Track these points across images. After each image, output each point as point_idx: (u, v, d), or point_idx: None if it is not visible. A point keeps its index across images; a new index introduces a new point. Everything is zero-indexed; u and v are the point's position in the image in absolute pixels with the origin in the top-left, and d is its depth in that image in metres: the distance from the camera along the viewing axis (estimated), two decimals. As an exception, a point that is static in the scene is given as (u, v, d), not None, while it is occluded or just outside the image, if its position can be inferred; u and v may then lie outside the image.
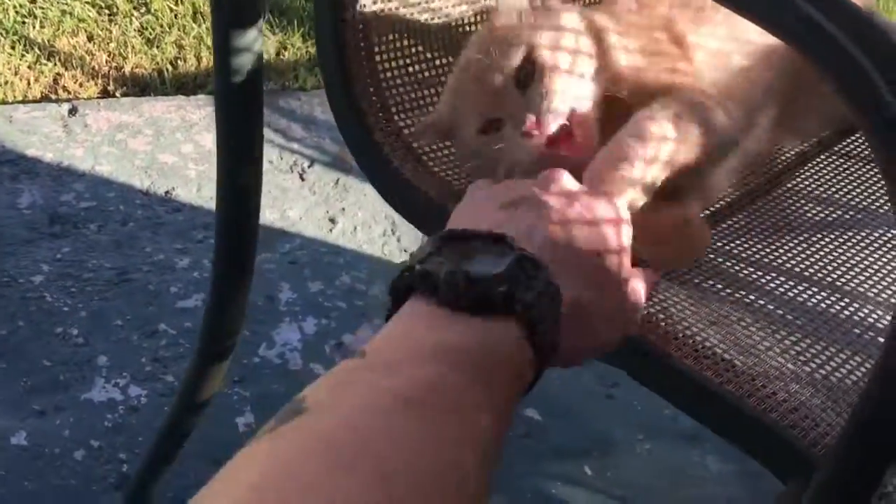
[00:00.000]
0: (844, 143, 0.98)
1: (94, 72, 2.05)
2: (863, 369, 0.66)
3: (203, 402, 1.07)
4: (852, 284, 0.76)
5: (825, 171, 0.93)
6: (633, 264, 0.58)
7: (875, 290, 0.75)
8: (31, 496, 1.23)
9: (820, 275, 0.77)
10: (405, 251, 1.73)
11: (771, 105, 0.80)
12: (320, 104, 2.08)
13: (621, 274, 0.54)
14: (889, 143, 0.44)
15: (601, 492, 1.38)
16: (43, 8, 2.16)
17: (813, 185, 0.90)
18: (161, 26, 2.20)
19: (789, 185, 0.90)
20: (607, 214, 0.55)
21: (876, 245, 0.82)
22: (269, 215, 1.76)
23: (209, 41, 2.16)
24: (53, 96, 1.98)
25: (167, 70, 2.09)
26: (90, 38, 2.13)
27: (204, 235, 1.70)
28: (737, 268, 0.76)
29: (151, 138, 1.92)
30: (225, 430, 1.32)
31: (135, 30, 2.17)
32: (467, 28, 0.87)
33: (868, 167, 0.95)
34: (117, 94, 2.03)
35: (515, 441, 1.41)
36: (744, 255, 0.78)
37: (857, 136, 0.99)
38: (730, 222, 0.82)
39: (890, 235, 0.83)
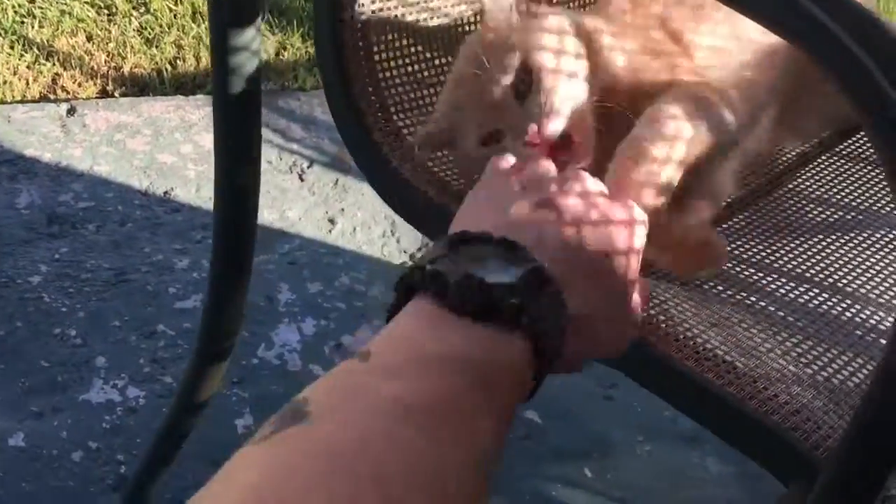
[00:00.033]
0: (845, 144, 0.98)
1: (92, 72, 2.05)
2: (865, 371, 0.65)
3: (202, 403, 1.07)
4: (854, 286, 0.75)
5: (826, 173, 0.93)
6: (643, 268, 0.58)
7: (877, 292, 0.75)
8: (29, 498, 1.22)
9: (821, 276, 0.76)
10: (404, 252, 1.73)
11: (773, 105, 0.80)
12: (320, 104, 2.07)
13: (628, 276, 0.54)
14: (892, 143, 0.44)
15: (601, 494, 1.38)
16: (42, 8, 2.16)
17: (814, 187, 0.90)
18: (160, 26, 2.19)
19: (790, 186, 0.90)
20: (624, 217, 0.54)
21: (877, 246, 0.81)
22: (268, 216, 1.76)
23: (208, 41, 2.15)
24: (52, 96, 1.98)
25: (166, 70, 2.09)
26: (89, 38, 2.13)
27: (203, 236, 1.69)
28: (738, 269, 0.76)
29: (150, 138, 1.91)
30: (223, 431, 1.32)
31: (134, 30, 2.17)
32: (466, 28, 0.87)
33: (869, 168, 0.94)
34: (116, 94, 2.02)
35: (515, 443, 1.41)
36: (745, 256, 0.78)
37: (858, 137, 0.99)
38: (731, 223, 0.82)
39: (892, 237, 0.83)
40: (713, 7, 0.77)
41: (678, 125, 0.65)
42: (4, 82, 1.96)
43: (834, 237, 0.82)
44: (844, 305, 0.73)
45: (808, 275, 0.76)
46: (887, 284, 0.76)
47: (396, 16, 0.82)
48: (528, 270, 0.46)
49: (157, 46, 2.14)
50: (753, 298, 0.72)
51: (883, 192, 0.90)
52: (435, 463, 0.38)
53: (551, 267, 0.48)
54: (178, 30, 2.19)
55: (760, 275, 0.75)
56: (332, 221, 1.80)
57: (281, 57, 2.22)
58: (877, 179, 0.92)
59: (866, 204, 0.88)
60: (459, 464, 0.39)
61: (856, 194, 0.89)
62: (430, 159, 0.81)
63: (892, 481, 0.50)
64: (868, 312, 0.72)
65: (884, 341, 0.69)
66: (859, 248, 0.81)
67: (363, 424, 0.38)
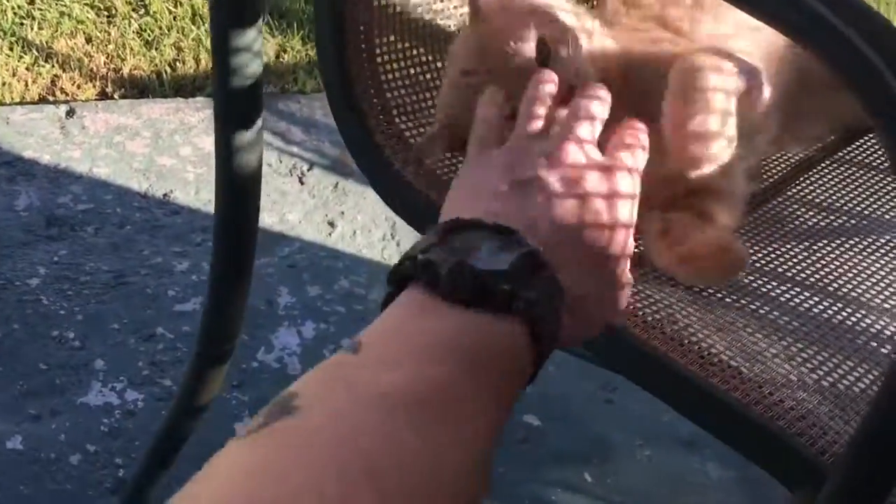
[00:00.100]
0: (848, 150, 0.97)
1: (92, 73, 2.05)
2: (870, 377, 0.65)
3: (201, 407, 1.07)
4: (857, 292, 0.75)
5: (829, 178, 0.92)
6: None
7: (880, 298, 0.75)
8: (27, 501, 1.22)
9: (824, 282, 0.76)
10: (404, 255, 1.72)
11: (778, 108, 0.79)
12: (320, 107, 2.07)
13: (621, 250, 0.53)
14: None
15: (601, 498, 1.37)
16: (41, 9, 2.16)
17: (817, 192, 0.90)
18: (160, 28, 2.19)
19: (792, 192, 0.89)
20: (613, 190, 0.53)
21: (881, 252, 0.81)
22: (267, 219, 1.75)
23: (208, 43, 2.15)
24: (51, 98, 1.97)
25: (166, 72, 2.09)
26: (88, 40, 2.12)
27: (202, 238, 1.69)
28: (741, 275, 0.75)
29: (149, 140, 1.91)
30: (222, 434, 1.29)
31: (133, 32, 2.17)
32: (469, 30, 0.86)
33: (872, 174, 0.94)
34: (115, 96, 2.02)
35: (513, 447, 1.40)
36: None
37: (861, 142, 0.99)
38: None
39: (895, 243, 0.83)
40: (714, 6, 0.77)
41: (717, 61, 0.65)
42: (3, 84, 1.95)
43: (837, 243, 0.82)
44: (849, 311, 0.72)
45: (809, 281, 0.76)
46: (891, 290, 0.76)
47: (399, 18, 0.82)
48: (521, 255, 0.46)
49: (156, 48, 2.14)
50: (757, 304, 0.72)
51: (886, 197, 0.90)
52: (429, 452, 0.37)
53: (545, 250, 0.47)
54: (177, 32, 2.19)
55: (763, 280, 0.75)
56: (331, 225, 1.79)
57: (281, 59, 2.22)
58: (880, 185, 0.92)
59: (869, 209, 0.88)
60: (455, 453, 0.38)
61: (859, 200, 0.89)
62: (432, 161, 0.80)
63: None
64: (872, 318, 0.72)
65: (888, 347, 0.69)
66: (863, 254, 0.80)
67: (354, 416, 0.37)
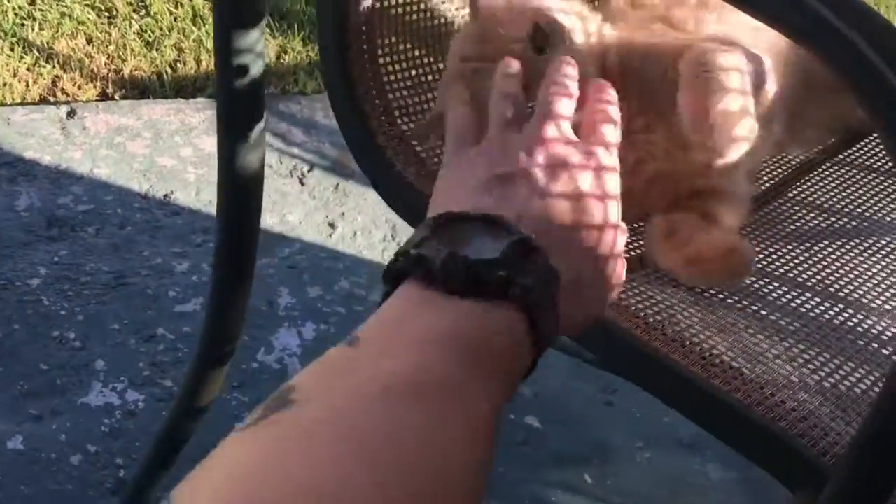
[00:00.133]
0: (849, 152, 0.98)
1: (92, 74, 2.05)
2: (871, 378, 0.65)
3: (202, 408, 1.07)
4: (858, 294, 0.75)
5: (830, 180, 0.93)
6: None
7: (881, 300, 0.75)
8: (28, 501, 1.22)
9: (825, 284, 0.76)
10: (405, 256, 1.72)
11: (783, 110, 0.79)
12: (321, 108, 2.07)
13: (612, 225, 0.53)
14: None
15: (601, 500, 1.37)
16: (42, 10, 2.16)
17: (817, 194, 0.90)
18: (160, 29, 2.19)
19: (793, 194, 0.89)
20: (593, 164, 0.52)
21: (882, 254, 0.81)
22: (268, 220, 1.75)
23: (209, 44, 2.15)
24: (52, 98, 1.97)
25: (166, 73, 2.09)
26: (89, 41, 2.12)
27: (203, 239, 1.69)
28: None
29: (150, 141, 1.91)
30: (223, 435, 1.31)
31: (134, 32, 2.17)
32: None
33: (873, 176, 0.94)
34: (116, 97, 2.02)
35: (513, 448, 1.40)
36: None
37: (862, 145, 0.99)
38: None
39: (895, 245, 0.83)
40: (718, 7, 0.77)
41: (725, 48, 0.65)
42: (4, 84, 1.95)
43: (837, 244, 0.82)
44: (850, 313, 0.73)
45: (811, 282, 0.76)
46: (892, 292, 0.76)
47: (401, 19, 0.82)
48: (513, 242, 0.46)
49: (157, 49, 2.14)
50: (758, 305, 0.72)
51: (887, 199, 0.90)
52: (427, 443, 0.37)
53: (536, 236, 0.47)
54: (178, 33, 2.19)
55: (765, 282, 0.75)
56: (332, 226, 1.79)
57: (282, 61, 2.22)
58: (880, 187, 0.92)
59: (870, 212, 0.88)
60: (453, 438, 0.38)
61: (859, 202, 0.89)
62: (434, 163, 0.81)
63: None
64: (872, 320, 0.72)
65: (889, 349, 0.69)
66: (863, 256, 0.80)
67: (352, 407, 0.37)
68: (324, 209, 1.83)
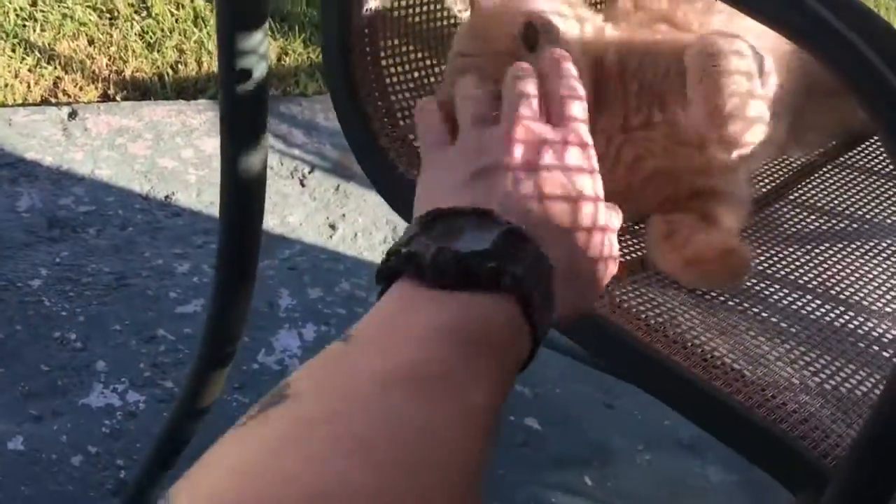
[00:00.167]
0: (850, 155, 0.98)
1: (94, 75, 2.05)
2: (871, 381, 0.65)
3: (203, 409, 1.07)
4: (859, 296, 0.75)
5: (830, 183, 0.93)
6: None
7: (882, 302, 0.75)
8: (28, 502, 1.22)
9: (826, 286, 0.76)
10: (405, 258, 1.72)
11: (786, 112, 0.80)
12: (321, 110, 2.07)
13: (597, 199, 0.53)
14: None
15: (601, 502, 1.37)
16: (44, 11, 2.16)
17: (818, 196, 0.90)
18: (162, 30, 2.19)
19: (794, 196, 0.90)
20: (578, 139, 0.53)
21: (882, 256, 0.81)
22: (269, 221, 1.76)
23: (210, 46, 2.16)
24: (53, 100, 1.98)
25: (168, 74, 2.09)
26: (91, 42, 2.13)
27: (204, 241, 1.69)
28: (745, 278, 0.75)
29: (151, 143, 1.91)
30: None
31: (135, 34, 2.17)
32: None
33: (873, 178, 0.95)
34: (117, 98, 2.02)
35: (513, 450, 1.40)
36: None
37: (863, 147, 0.99)
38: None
39: (896, 248, 0.83)
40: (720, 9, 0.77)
41: (732, 40, 0.65)
42: (6, 85, 1.96)
43: (838, 247, 0.82)
44: (850, 315, 0.73)
45: (812, 284, 0.76)
46: (893, 294, 0.76)
47: (404, 21, 0.82)
48: (502, 233, 0.46)
49: (158, 51, 2.14)
50: (759, 307, 0.72)
51: (888, 202, 0.90)
52: (426, 435, 0.37)
53: (525, 225, 0.47)
54: (179, 34, 2.19)
55: (765, 284, 0.75)
56: (332, 227, 1.79)
57: (282, 62, 2.22)
58: (881, 190, 0.93)
59: (871, 214, 0.88)
60: (452, 430, 0.38)
61: (860, 204, 0.89)
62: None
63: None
64: (873, 323, 0.72)
65: (889, 352, 0.69)
66: (865, 259, 0.81)
67: (344, 399, 0.38)
68: (324, 211, 1.83)
